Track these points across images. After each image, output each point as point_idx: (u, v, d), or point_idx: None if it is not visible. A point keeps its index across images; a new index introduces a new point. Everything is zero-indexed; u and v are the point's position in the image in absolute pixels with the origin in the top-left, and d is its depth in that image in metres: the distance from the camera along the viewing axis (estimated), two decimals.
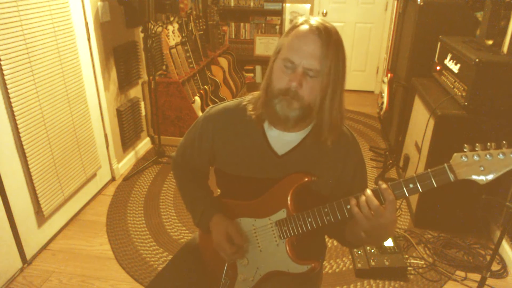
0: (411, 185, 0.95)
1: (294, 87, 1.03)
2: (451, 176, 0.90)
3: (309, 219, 1.10)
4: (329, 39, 1.02)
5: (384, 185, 0.97)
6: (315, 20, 1.05)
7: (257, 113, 1.14)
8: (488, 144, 0.87)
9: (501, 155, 0.86)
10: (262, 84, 1.13)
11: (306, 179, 1.13)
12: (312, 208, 1.10)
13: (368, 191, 0.99)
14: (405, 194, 0.96)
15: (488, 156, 0.87)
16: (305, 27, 1.04)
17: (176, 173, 1.41)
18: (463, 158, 0.89)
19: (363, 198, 0.99)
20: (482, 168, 0.88)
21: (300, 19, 1.07)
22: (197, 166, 1.34)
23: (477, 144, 0.88)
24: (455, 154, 0.90)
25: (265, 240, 1.20)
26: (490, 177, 0.88)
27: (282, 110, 1.06)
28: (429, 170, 0.92)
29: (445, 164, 0.91)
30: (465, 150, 0.89)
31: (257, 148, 1.18)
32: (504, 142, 0.86)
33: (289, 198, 1.14)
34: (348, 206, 1.04)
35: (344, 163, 1.18)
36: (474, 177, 0.89)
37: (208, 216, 1.26)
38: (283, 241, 1.17)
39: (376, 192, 0.99)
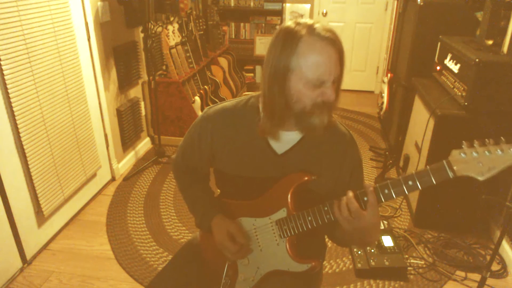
0: (410, 182, 0.95)
1: (332, 99, 1.02)
2: (450, 173, 0.90)
3: (309, 218, 1.11)
4: (339, 42, 1.02)
5: (370, 188, 0.98)
6: (317, 25, 1.01)
7: (267, 132, 1.13)
8: (486, 140, 0.87)
9: (499, 151, 0.85)
10: (270, 101, 1.06)
11: (306, 178, 1.13)
12: (312, 207, 1.11)
13: (350, 193, 1.00)
14: (405, 191, 0.96)
15: (486, 152, 0.86)
16: (316, 38, 0.99)
17: (177, 175, 1.40)
18: (462, 154, 0.89)
19: (344, 200, 1.01)
20: (480, 165, 0.87)
21: (299, 27, 1.01)
22: (197, 166, 1.34)
23: (475, 141, 0.87)
24: (454, 151, 0.90)
25: (266, 240, 1.20)
26: (489, 173, 0.87)
27: (321, 121, 1.05)
28: (428, 167, 0.92)
29: (444, 161, 0.91)
30: (463, 146, 0.89)
31: (256, 147, 1.18)
32: (502, 138, 0.86)
33: (289, 197, 1.14)
34: None
35: (343, 162, 1.18)
36: (473, 173, 0.88)
37: (209, 217, 1.26)
38: (283, 240, 1.17)
39: (362, 194, 1.01)
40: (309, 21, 1.03)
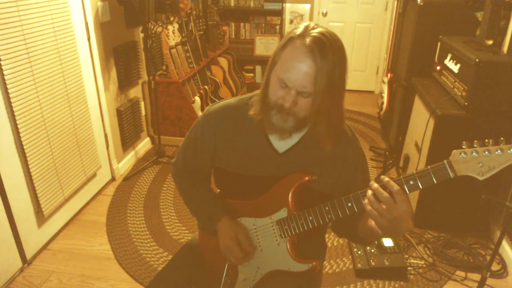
0: (411, 182, 0.95)
1: (287, 107, 1.04)
2: (451, 173, 0.91)
3: (310, 218, 1.11)
4: (324, 59, 0.98)
5: (386, 178, 0.95)
6: (314, 33, 1.00)
7: (258, 118, 1.14)
8: (486, 140, 0.88)
9: (499, 151, 0.86)
10: (260, 90, 1.13)
11: (307, 178, 1.13)
12: (313, 207, 1.11)
13: (375, 185, 0.96)
14: (406, 191, 0.96)
15: (486, 152, 0.87)
16: (300, 43, 1.00)
17: (178, 179, 1.38)
18: (462, 154, 0.89)
19: (369, 192, 0.97)
20: (480, 164, 0.88)
21: (300, 29, 1.03)
22: (199, 167, 1.33)
23: (475, 141, 0.89)
24: (454, 151, 0.91)
25: (266, 240, 1.20)
26: (489, 173, 0.88)
27: (277, 122, 1.08)
28: (429, 167, 0.92)
29: (445, 161, 0.92)
30: (463, 146, 0.90)
31: (258, 146, 1.18)
32: (502, 138, 0.86)
33: (289, 197, 1.14)
34: (349, 204, 1.04)
35: (344, 161, 1.18)
36: (473, 173, 0.89)
37: (215, 219, 1.25)
38: (284, 240, 1.17)
39: (383, 187, 0.97)
40: (317, 28, 1.02)
